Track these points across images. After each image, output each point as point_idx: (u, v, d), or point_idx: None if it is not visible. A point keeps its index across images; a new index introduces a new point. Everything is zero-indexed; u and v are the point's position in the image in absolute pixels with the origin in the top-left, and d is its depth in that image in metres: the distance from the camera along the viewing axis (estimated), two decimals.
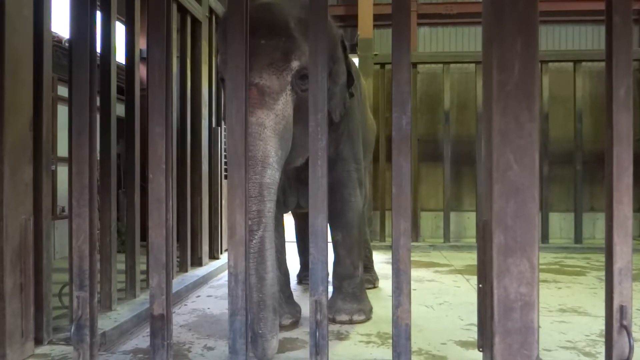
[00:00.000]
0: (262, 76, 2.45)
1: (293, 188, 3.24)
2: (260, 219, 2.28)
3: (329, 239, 2.25)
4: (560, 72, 7.24)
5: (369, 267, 4.35)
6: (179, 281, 4.11)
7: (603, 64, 2.06)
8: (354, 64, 3.55)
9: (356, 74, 3.57)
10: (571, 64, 7.02)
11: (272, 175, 2.37)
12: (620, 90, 1.98)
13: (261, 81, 2.44)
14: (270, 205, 2.35)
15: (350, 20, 8.00)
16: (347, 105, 3.09)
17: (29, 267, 2.34)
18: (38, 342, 2.50)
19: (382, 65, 7.28)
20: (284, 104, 2.49)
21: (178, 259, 4.61)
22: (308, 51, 2.57)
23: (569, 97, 7.10)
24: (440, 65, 7.26)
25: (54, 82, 5.27)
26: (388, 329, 2.38)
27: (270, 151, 2.38)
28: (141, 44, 4.01)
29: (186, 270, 4.57)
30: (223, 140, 5.43)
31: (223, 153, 5.44)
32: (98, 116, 3.09)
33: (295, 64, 2.53)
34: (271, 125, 2.41)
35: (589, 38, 8.08)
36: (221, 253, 5.47)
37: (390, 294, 2.08)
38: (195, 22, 4.96)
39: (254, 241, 2.24)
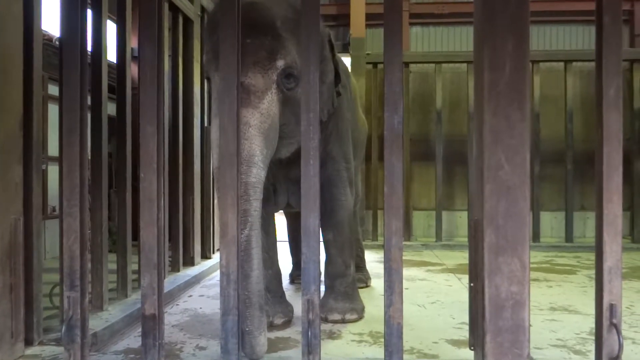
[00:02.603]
0: (247, 75, 2.44)
1: (283, 187, 3.23)
2: (247, 218, 2.29)
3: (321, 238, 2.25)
4: (551, 72, 7.28)
5: (361, 266, 4.36)
6: (171, 281, 4.10)
7: (593, 64, 2.07)
8: (342, 62, 3.54)
9: (345, 73, 3.57)
10: (562, 63, 7.06)
11: (257, 174, 2.37)
12: (610, 90, 1.99)
13: (246, 80, 2.44)
14: (257, 204, 2.36)
15: (342, 19, 8.01)
16: (335, 105, 3.08)
17: (19, 267, 2.32)
18: (28, 342, 2.48)
19: (375, 64, 7.29)
20: (270, 102, 2.49)
21: (170, 259, 4.59)
22: (294, 50, 2.58)
23: (560, 96, 7.14)
24: (432, 64, 7.27)
25: (45, 80, 5.24)
26: (380, 327, 2.38)
27: (256, 150, 2.38)
28: (132, 42, 4.00)
29: (178, 270, 4.55)
30: None
31: None
32: (89, 115, 3.07)
33: (280, 63, 2.53)
34: (256, 124, 2.41)
35: (579, 38, 8.14)
36: (213, 253, 5.45)
37: (383, 293, 2.08)
38: (187, 21, 4.94)
39: (240, 240, 2.24)
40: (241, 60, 2.38)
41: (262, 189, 2.42)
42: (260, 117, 2.43)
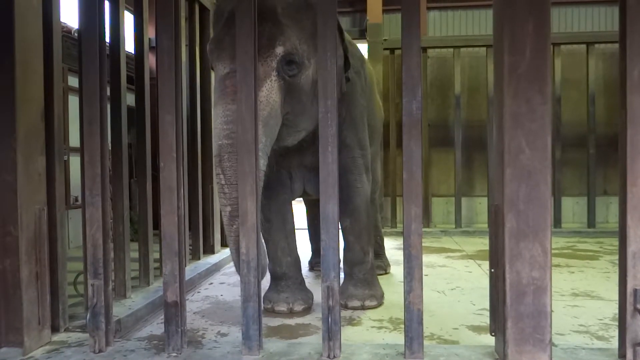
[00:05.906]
0: None
1: (298, 175, 3.22)
2: None
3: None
4: (573, 54, 7.14)
5: (380, 253, 4.35)
6: (192, 269, 4.15)
7: (616, 45, 2.03)
8: (354, 47, 3.50)
9: (360, 59, 3.53)
10: (584, 46, 6.92)
11: None
12: (634, 71, 1.95)
13: None
14: None
15: (358, 5, 7.92)
16: (343, 90, 3.05)
17: (44, 256, 2.37)
18: (55, 329, 2.53)
19: (392, 50, 7.21)
20: (269, 90, 2.50)
21: (190, 247, 4.65)
22: (294, 36, 2.57)
23: (582, 79, 7.02)
24: (451, 49, 7.18)
25: (65, 72, 5.30)
26: (400, 314, 2.39)
27: None
28: (150, 32, 4.01)
29: (199, 258, 4.60)
30: None
31: None
32: (108, 106, 3.10)
33: (279, 50, 2.52)
34: None
35: (602, 19, 7.95)
36: None
37: (402, 280, 2.09)
38: (204, 10, 4.94)
39: (235, 226, 2.37)
40: None
41: (261, 177, 2.43)
42: (259, 104, 2.44)
